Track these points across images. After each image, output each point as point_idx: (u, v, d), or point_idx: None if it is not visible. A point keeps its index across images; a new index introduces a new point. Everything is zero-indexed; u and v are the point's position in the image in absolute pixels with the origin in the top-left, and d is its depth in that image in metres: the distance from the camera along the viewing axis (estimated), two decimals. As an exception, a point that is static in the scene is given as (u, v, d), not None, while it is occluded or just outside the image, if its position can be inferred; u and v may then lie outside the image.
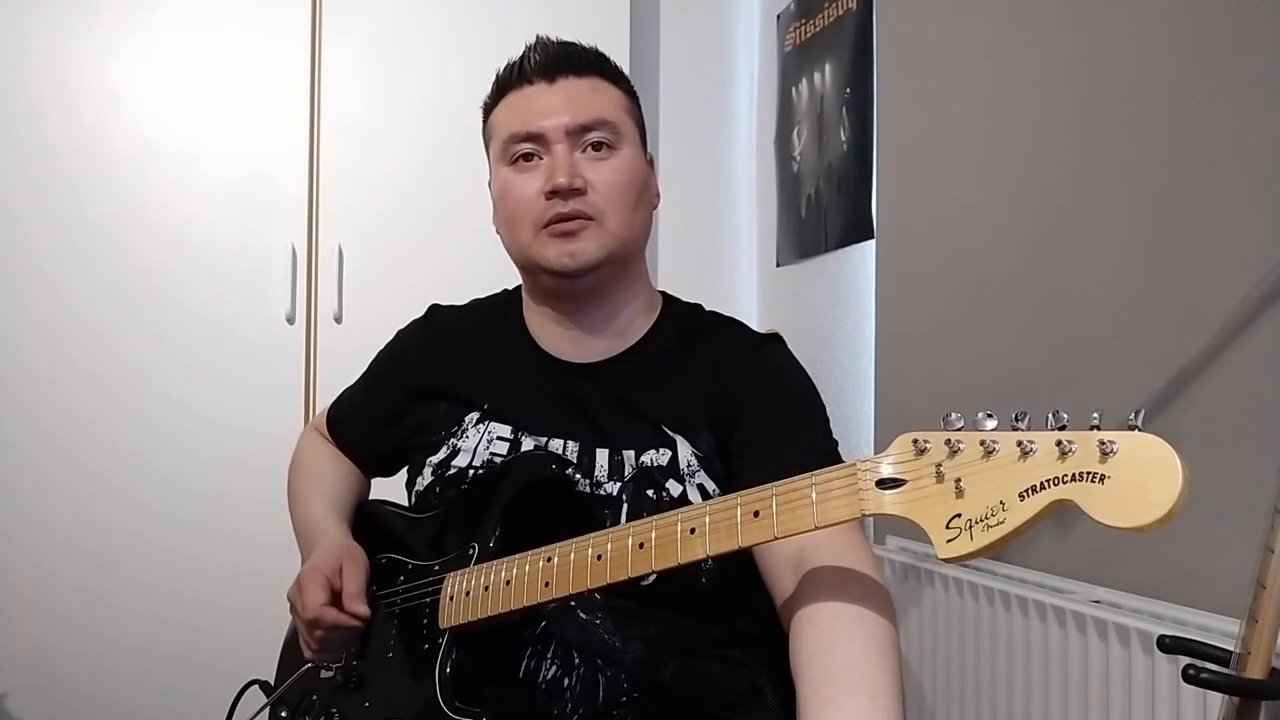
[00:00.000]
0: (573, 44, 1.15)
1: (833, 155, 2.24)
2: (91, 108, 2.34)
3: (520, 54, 1.14)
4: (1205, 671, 0.93)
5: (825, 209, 2.28)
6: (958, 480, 0.72)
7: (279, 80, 2.39)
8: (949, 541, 0.72)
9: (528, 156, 1.11)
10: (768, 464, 1.03)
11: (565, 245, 1.09)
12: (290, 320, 2.38)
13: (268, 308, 2.38)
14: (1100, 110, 1.47)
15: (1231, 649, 0.96)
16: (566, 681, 1.07)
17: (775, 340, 1.18)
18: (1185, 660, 0.97)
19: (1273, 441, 1.16)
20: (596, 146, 1.11)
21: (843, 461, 1.04)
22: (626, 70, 1.20)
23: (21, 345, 2.31)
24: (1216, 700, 1.06)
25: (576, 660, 1.07)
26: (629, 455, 1.10)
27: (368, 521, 1.26)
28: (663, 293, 1.24)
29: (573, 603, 1.06)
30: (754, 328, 1.21)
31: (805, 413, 1.11)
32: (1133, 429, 0.66)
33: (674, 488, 1.09)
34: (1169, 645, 1.04)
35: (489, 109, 1.18)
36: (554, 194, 1.08)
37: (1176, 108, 1.34)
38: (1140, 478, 0.65)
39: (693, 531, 0.86)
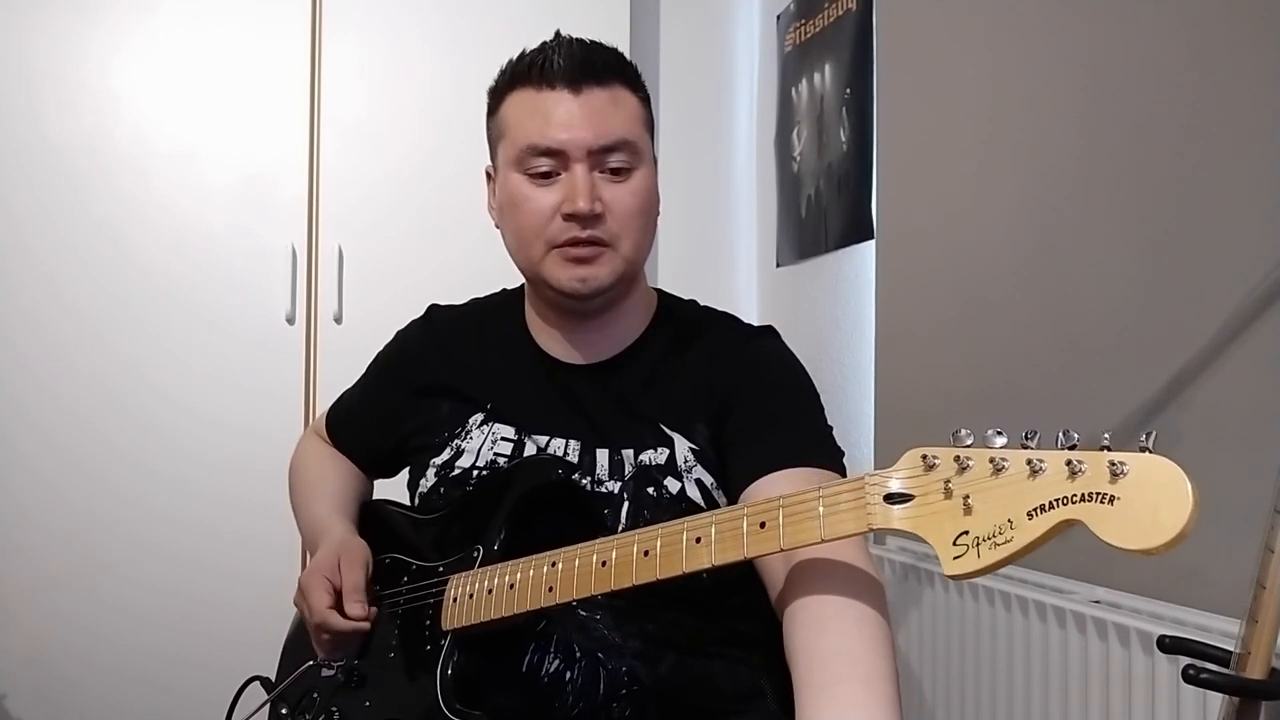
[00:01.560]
0: (596, 47, 1.11)
1: (833, 155, 2.24)
2: (91, 108, 2.34)
3: (541, 50, 1.10)
4: (1205, 671, 0.93)
5: (825, 209, 2.28)
6: (966, 497, 0.72)
7: (279, 80, 2.39)
8: (956, 559, 0.72)
9: (545, 172, 1.08)
10: (760, 449, 1.03)
11: (577, 270, 1.08)
12: (290, 320, 2.38)
13: (268, 308, 2.38)
14: (1100, 110, 1.47)
15: (1231, 649, 0.96)
16: (568, 675, 1.07)
17: (769, 332, 1.18)
18: (1185, 660, 0.97)
19: (1273, 441, 1.16)
20: (615, 169, 1.09)
21: (836, 446, 1.06)
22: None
23: (21, 345, 2.31)
24: (1216, 700, 1.06)
25: (578, 654, 1.08)
26: (628, 454, 1.11)
27: (373, 521, 1.26)
28: (657, 290, 1.24)
29: (573, 601, 1.06)
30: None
31: (798, 399, 1.11)
32: (1143, 450, 0.66)
33: (672, 485, 1.09)
34: (1169, 645, 1.04)
35: (499, 96, 1.13)
36: (571, 217, 1.07)
37: (1176, 107, 1.34)
38: (1150, 500, 0.65)
39: (698, 541, 0.86)
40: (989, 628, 1.54)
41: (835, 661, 0.83)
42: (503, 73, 1.14)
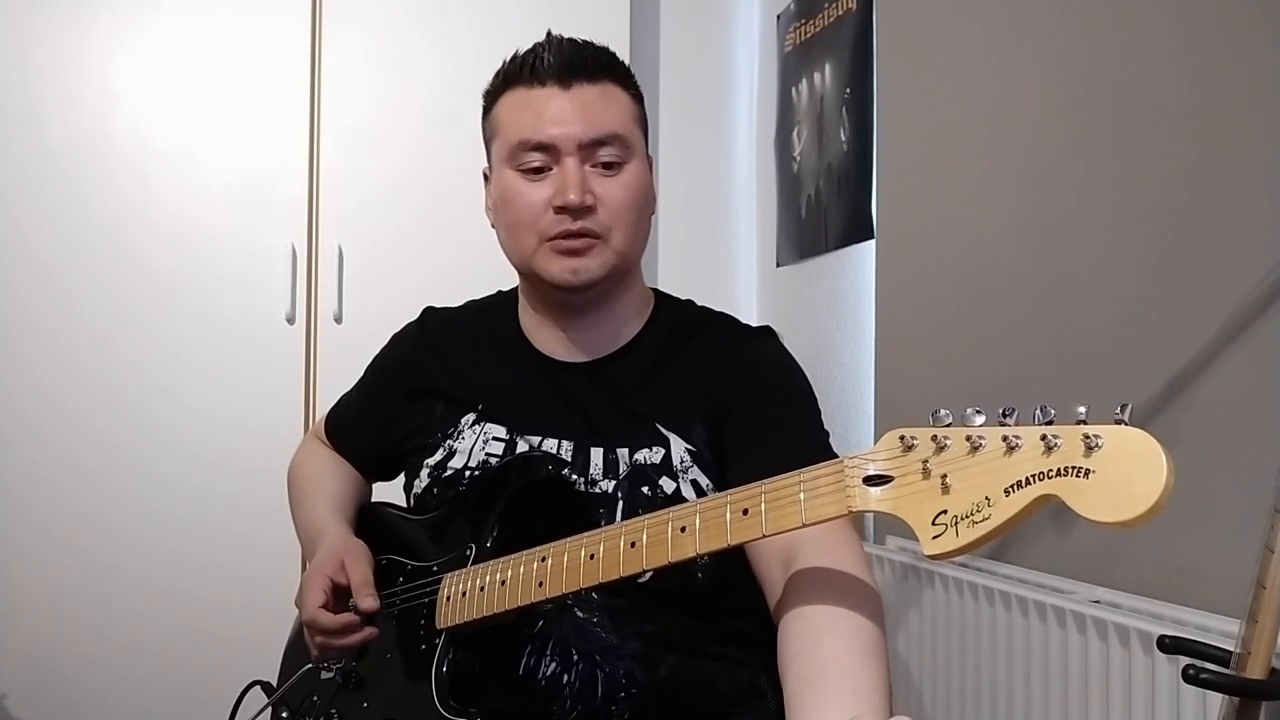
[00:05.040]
0: (586, 45, 1.13)
1: (833, 155, 2.24)
2: (91, 108, 2.34)
3: (532, 50, 1.12)
4: (1205, 671, 0.92)
5: (825, 209, 2.28)
6: (944, 476, 0.72)
7: (279, 80, 2.39)
8: (935, 538, 0.72)
9: (537, 167, 1.09)
10: (759, 456, 1.03)
11: (569, 262, 1.09)
12: (290, 320, 2.38)
13: (268, 308, 2.38)
14: (1100, 110, 1.47)
15: (1231, 649, 0.95)
16: (565, 678, 1.07)
17: (766, 333, 1.18)
18: (1185, 660, 0.97)
19: (1273, 441, 1.16)
20: (607, 162, 1.10)
21: (834, 453, 1.05)
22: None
23: (21, 346, 2.31)
24: (1216, 700, 1.06)
25: (575, 657, 1.07)
26: (623, 453, 1.11)
27: (369, 523, 1.26)
28: (654, 289, 1.24)
29: (570, 602, 1.07)
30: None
31: (796, 404, 1.11)
32: (1119, 423, 0.66)
33: (668, 485, 1.09)
34: (1169, 645, 1.04)
35: (492, 97, 1.15)
36: (563, 210, 1.07)
37: (1176, 107, 1.34)
38: (1125, 472, 0.64)
39: (683, 530, 0.86)
40: (989, 628, 1.54)
41: (827, 673, 0.83)
42: (496, 75, 1.15)
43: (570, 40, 1.13)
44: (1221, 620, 1.20)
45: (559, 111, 1.09)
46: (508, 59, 1.14)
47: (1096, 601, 1.38)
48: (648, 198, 1.15)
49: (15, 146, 2.32)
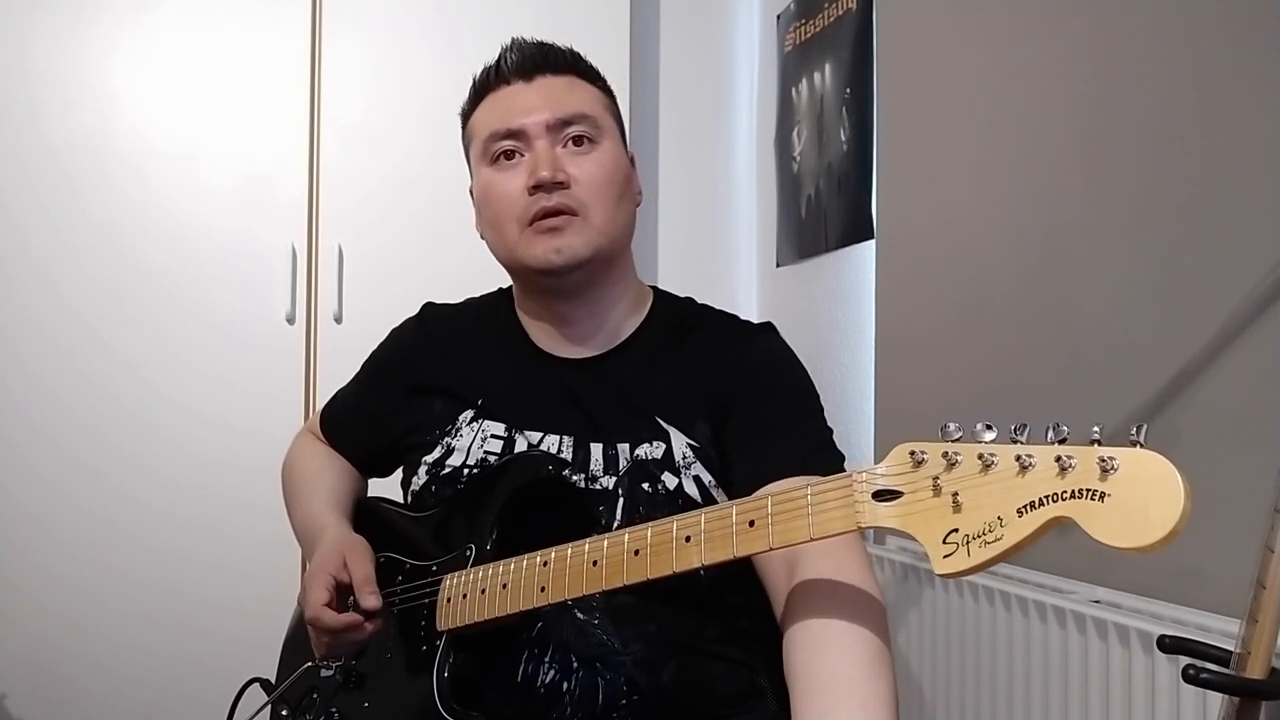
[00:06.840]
0: (548, 44, 1.15)
1: (833, 155, 2.24)
2: (91, 108, 2.34)
3: (496, 56, 1.15)
4: (1205, 671, 0.92)
5: (825, 209, 2.28)
6: (955, 494, 0.71)
7: (279, 80, 2.39)
8: (946, 557, 0.71)
9: (509, 155, 1.11)
10: (762, 454, 1.03)
11: (551, 241, 1.08)
12: (290, 320, 2.38)
13: (268, 308, 2.37)
14: (1101, 110, 1.47)
15: (1231, 649, 0.95)
16: (565, 685, 1.06)
17: (768, 329, 1.18)
18: (1185, 660, 0.97)
19: (1273, 441, 1.16)
20: (578, 141, 1.11)
21: (837, 450, 1.05)
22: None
23: (21, 346, 2.31)
24: (1216, 700, 1.06)
25: (574, 664, 1.07)
26: (623, 449, 1.10)
27: (367, 519, 1.25)
28: (653, 287, 1.23)
29: (569, 602, 1.06)
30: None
31: (798, 402, 1.11)
32: (1134, 444, 0.65)
33: (669, 480, 1.09)
34: (1169, 645, 1.04)
35: (467, 115, 1.18)
36: (537, 188, 1.08)
37: (1177, 107, 1.34)
38: (1141, 496, 0.63)
39: (688, 540, 0.85)
40: (989, 628, 1.54)
41: (834, 687, 0.83)
42: (468, 94, 1.18)
43: (534, 40, 1.15)
44: (1221, 620, 1.20)
45: (525, 101, 1.11)
46: (477, 75, 1.17)
47: (1096, 601, 1.38)
48: (626, 180, 1.15)
49: (15, 146, 2.31)
